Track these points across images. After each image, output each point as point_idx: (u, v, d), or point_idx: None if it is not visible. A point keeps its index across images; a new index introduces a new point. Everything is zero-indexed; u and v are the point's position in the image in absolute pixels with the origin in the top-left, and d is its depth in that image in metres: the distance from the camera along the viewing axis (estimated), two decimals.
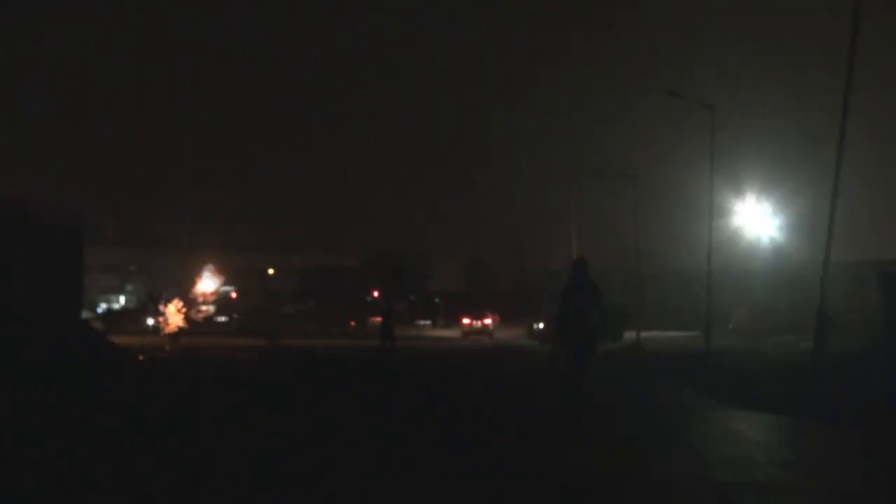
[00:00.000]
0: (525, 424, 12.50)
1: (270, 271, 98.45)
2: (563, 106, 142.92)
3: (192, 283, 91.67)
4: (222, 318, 78.47)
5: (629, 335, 42.11)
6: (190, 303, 61.26)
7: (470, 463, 9.22)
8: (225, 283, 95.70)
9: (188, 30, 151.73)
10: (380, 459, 9.44)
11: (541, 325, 48.73)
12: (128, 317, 61.42)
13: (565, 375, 13.08)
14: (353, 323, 70.71)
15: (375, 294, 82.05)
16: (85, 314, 33.38)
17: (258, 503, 7.52)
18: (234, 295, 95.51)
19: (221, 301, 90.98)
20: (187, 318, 32.23)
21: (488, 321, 56.98)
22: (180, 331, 30.86)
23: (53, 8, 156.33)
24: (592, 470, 9.05)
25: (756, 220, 50.87)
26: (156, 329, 51.36)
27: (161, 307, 33.50)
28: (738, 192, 49.24)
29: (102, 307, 77.43)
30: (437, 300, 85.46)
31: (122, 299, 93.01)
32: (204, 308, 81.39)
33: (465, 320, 58.32)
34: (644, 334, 41.33)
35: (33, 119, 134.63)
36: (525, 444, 10.67)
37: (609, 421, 13.32)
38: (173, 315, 30.79)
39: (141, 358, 24.40)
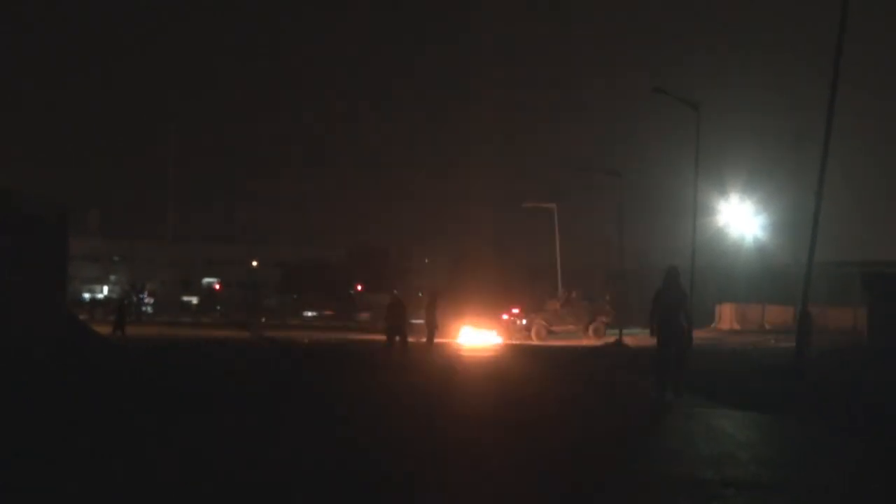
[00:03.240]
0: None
1: (254, 263, 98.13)
2: (547, 102, 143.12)
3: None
4: None
5: (612, 332, 42.29)
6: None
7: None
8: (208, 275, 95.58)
9: (176, 21, 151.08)
10: None
11: (523, 322, 48.59)
12: (108, 307, 61.23)
13: (660, 369, 15.19)
14: (330, 312, 70.70)
15: (359, 287, 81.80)
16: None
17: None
18: (217, 286, 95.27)
19: (205, 293, 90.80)
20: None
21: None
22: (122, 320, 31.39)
23: None
24: (574, 466, 9.10)
25: (740, 218, 50.99)
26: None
27: (144, 297, 33.73)
28: (723, 190, 49.34)
29: (86, 297, 77.09)
30: (420, 294, 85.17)
31: (105, 289, 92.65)
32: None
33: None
34: (625, 331, 41.32)
35: (16, 108, 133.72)
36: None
37: (591, 417, 13.41)
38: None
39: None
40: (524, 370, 24.04)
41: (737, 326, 51.58)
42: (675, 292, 15.18)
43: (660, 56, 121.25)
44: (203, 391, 15.71)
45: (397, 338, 24.44)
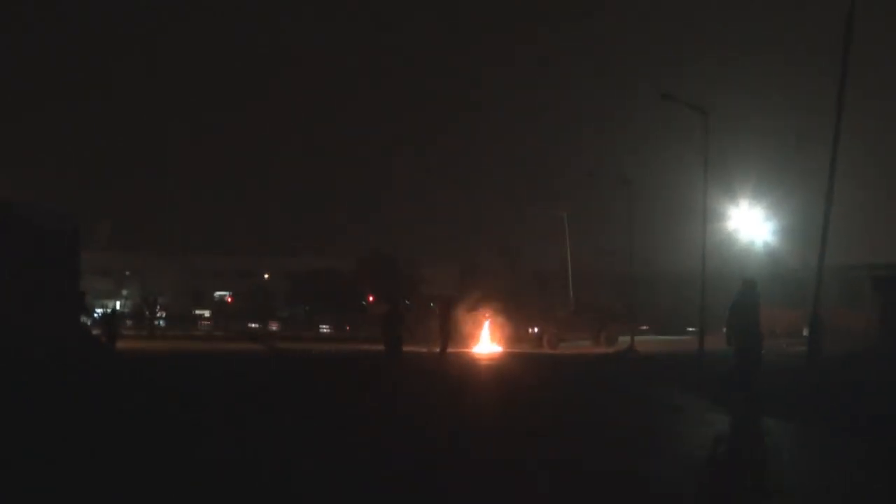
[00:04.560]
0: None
1: (265, 276, 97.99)
2: (554, 109, 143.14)
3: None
4: None
5: (623, 338, 42.18)
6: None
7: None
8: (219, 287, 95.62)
9: (178, 30, 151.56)
10: None
11: (535, 330, 48.27)
12: (124, 321, 61.31)
13: (736, 373, 15.53)
14: (347, 327, 70.53)
15: (371, 298, 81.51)
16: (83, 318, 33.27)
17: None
18: (229, 299, 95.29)
19: (216, 305, 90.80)
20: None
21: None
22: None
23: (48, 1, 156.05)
24: (586, 472, 9.14)
25: (750, 224, 50.77)
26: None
27: (156, 311, 33.65)
28: (732, 195, 49.09)
29: (99, 312, 77.02)
30: (431, 305, 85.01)
31: (118, 304, 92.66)
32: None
33: None
34: (637, 338, 41.18)
35: (14, 110, 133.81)
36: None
37: (602, 423, 13.44)
38: None
39: None
40: (534, 377, 24.03)
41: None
42: (753, 304, 15.50)
43: (669, 61, 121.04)
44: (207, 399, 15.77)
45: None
